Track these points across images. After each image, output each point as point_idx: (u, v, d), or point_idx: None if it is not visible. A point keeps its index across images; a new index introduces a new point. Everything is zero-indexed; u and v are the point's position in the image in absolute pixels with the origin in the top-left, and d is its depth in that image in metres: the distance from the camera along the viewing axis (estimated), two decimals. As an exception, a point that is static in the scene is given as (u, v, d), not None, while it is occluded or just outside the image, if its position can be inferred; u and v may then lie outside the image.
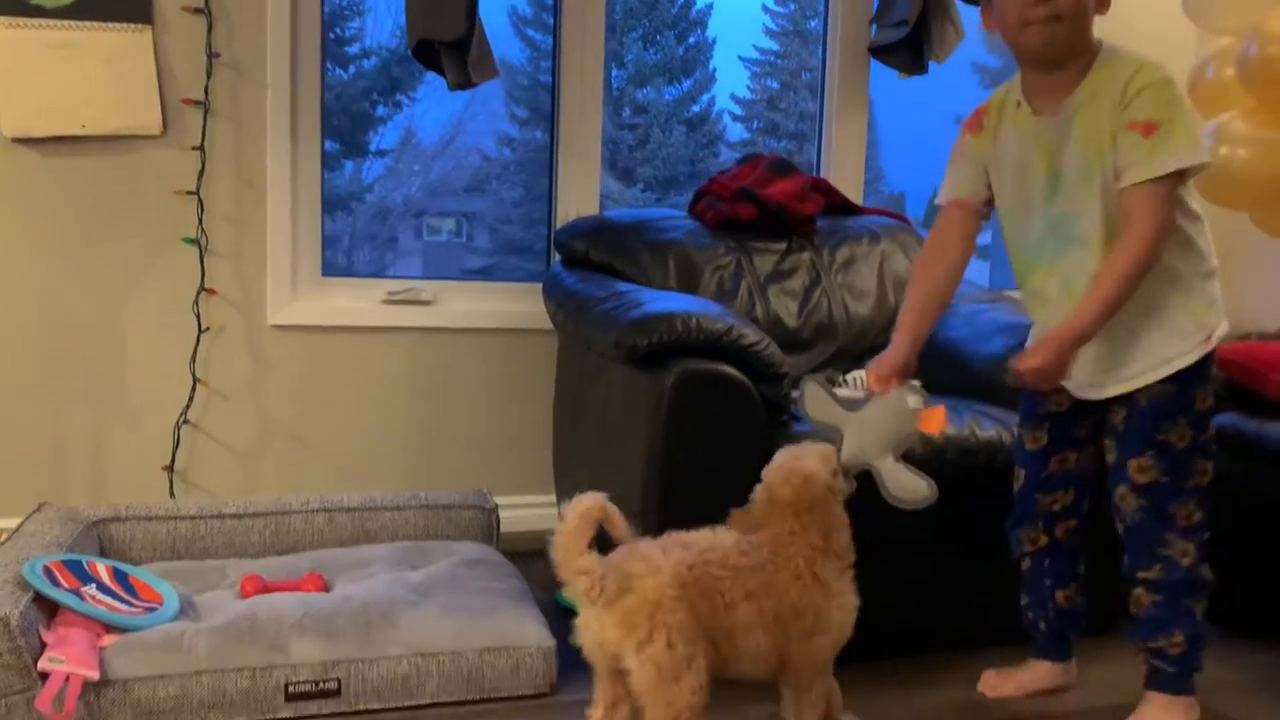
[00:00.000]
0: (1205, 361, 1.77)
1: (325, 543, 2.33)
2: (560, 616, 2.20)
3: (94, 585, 1.90)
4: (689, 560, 1.55)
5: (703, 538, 1.62)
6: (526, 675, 1.95)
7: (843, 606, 1.67)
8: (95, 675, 1.71)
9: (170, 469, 2.55)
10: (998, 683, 2.05)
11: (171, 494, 2.56)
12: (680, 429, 1.96)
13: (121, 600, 1.90)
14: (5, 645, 1.66)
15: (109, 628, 1.82)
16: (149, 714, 1.76)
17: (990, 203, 1.91)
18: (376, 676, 1.87)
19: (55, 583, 1.83)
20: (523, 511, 2.77)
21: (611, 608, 1.51)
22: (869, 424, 1.75)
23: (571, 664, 2.02)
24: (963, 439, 2.07)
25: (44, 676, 1.69)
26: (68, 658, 1.71)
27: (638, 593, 1.51)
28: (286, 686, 1.83)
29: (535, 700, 1.94)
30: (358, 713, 1.86)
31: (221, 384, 2.59)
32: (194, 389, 2.55)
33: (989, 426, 2.10)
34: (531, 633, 1.98)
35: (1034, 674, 2.03)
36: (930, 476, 1.73)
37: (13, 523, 2.13)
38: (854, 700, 1.97)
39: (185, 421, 2.56)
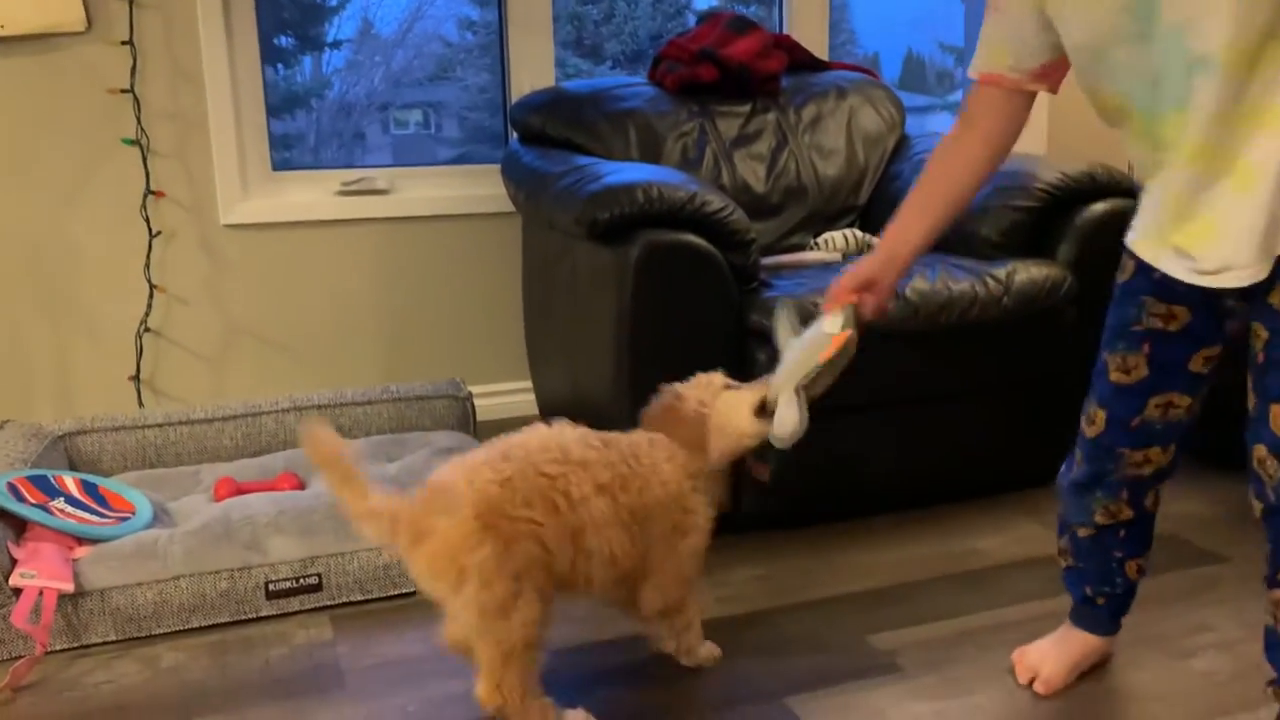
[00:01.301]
0: None
1: (298, 442, 2.29)
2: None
3: (62, 499, 1.87)
4: (502, 475, 1.36)
5: (535, 438, 1.44)
6: (508, 558, 1.94)
7: (704, 514, 1.53)
8: (69, 587, 1.69)
9: (136, 379, 2.51)
10: (1047, 670, 1.57)
11: (140, 404, 2.52)
12: (648, 303, 1.91)
13: (92, 512, 1.87)
14: (-26, 563, 1.64)
15: (81, 540, 1.80)
16: (130, 620, 1.75)
17: (1049, 73, 1.35)
18: (357, 569, 1.86)
19: (20, 499, 1.80)
20: (499, 399, 2.75)
21: (414, 553, 1.34)
22: (789, 350, 1.53)
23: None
24: (935, 292, 2.02)
25: (17, 592, 1.67)
26: (40, 571, 1.69)
27: (438, 535, 1.32)
28: (267, 585, 1.82)
29: (518, 582, 1.94)
30: (341, 605, 1.86)
31: (179, 289, 2.53)
32: (151, 296, 2.48)
33: (961, 278, 2.06)
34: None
35: (1079, 647, 1.59)
36: (808, 411, 1.50)
37: (-23, 443, 2.10)
38: (830, 559, 1.99)
39: (146, 330, 2.50)
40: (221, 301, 2.57)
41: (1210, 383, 1.38)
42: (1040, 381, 2.18)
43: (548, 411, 2.56)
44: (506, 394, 2.77)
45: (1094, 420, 1.43)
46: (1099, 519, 1.49)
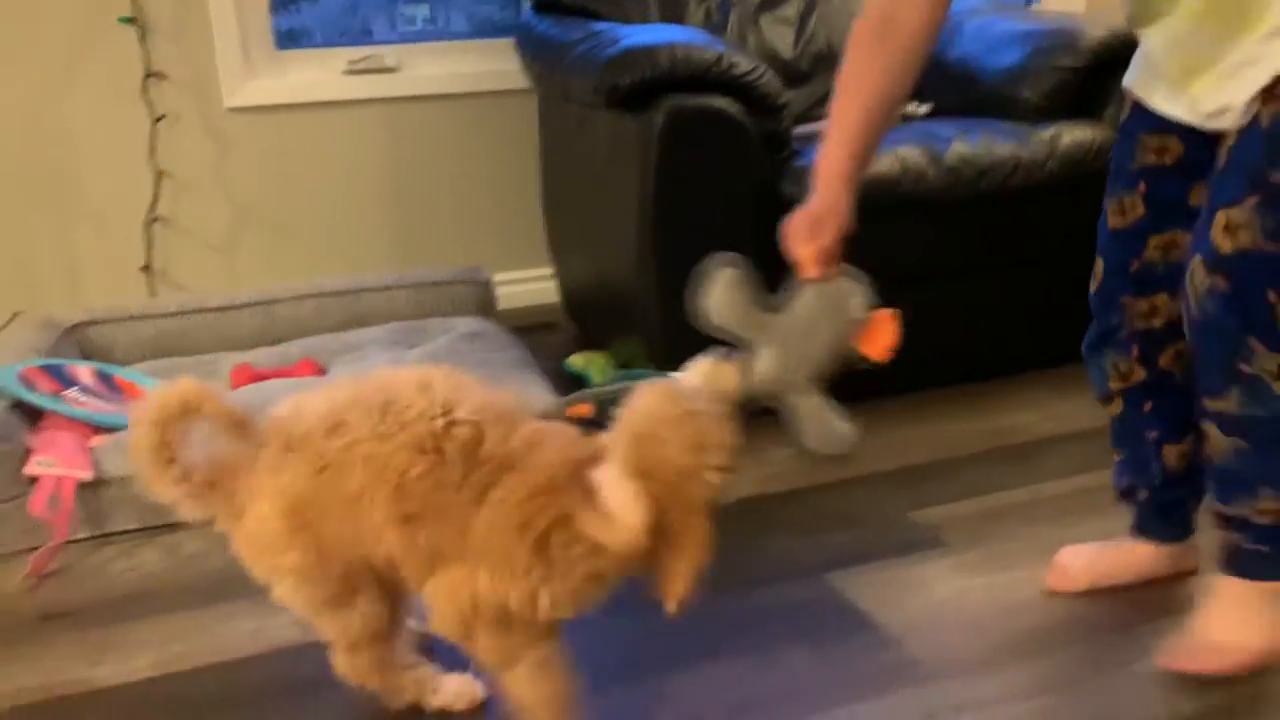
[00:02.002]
0: None
1: (315, 330, 2.23)
2: (566, 383, 2.14)
3: (76, 388, 1.82)
4: (322, 461, 1.06)
5: (379, 401, 1.07)
6: (535, 442, 1.89)
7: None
8: (88, 475, 1.65)
9: (148, 269, 2.44)
10: (1072, 571, 1.48)
11: (153, 295, 2.45)
12: (673, 174, 1.82)
13: (106, 400, 1.82)
14: (-12, 452, 1.60)
15: (97, 428, 1.76)
16: (150, 509, 1.71)
17: None
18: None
19: (33, 388, 1.75)
20: (520, 287, 2.67)
21: (231, 529, 1.12)
22: (795, 339, 1.17)
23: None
24: (976, 157, 1.92)
25: (34, 481, 1.64)
26: (57, 459, 1.65)
27: (249, 519, 1.09)
28: (289, 472, 1.78)
29: (546, 465, 1.90)
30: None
31: (185, 175, 2.43)
32: (158, 183, 2.40)
33: (1004, 141, 1.95)
34: (536, 398, 1.91)
35: (1122, 558, 1.48)
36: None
37: (-12, 336, 2.05)
38: (868, 436, 1.92)
39: (155, 219, 2.42)
40: (230, 188, 2.48)
41: None
42: (1087, 251, 2.08)
43: (571, 299, 2.48)
44: (527, 281, 2.69)
45: (1096, 273, 1.36)
46: (1113, 384, 1.39)
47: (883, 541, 1.60)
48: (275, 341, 2.20)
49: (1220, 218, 1.13)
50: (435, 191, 2.63)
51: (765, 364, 1.16)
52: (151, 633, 1.44)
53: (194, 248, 2.49)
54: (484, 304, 2.34)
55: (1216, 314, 1.15)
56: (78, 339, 2.09)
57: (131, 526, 1.71)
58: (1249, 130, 1.11)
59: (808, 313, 1.17)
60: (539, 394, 1.91)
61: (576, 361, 2.23)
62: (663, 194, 1.83)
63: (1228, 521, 1.26)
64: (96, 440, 1.73)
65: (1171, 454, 1.40)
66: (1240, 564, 1.28)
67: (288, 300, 2.24)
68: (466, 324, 2.21)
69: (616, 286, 2.08)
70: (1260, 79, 1.09)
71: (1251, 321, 1.14)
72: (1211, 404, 1.20)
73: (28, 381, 1.76)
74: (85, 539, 1.68)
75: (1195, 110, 1.18)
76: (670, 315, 1.92)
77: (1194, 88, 1.16)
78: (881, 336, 1.17)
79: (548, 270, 2.60)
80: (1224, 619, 1.29)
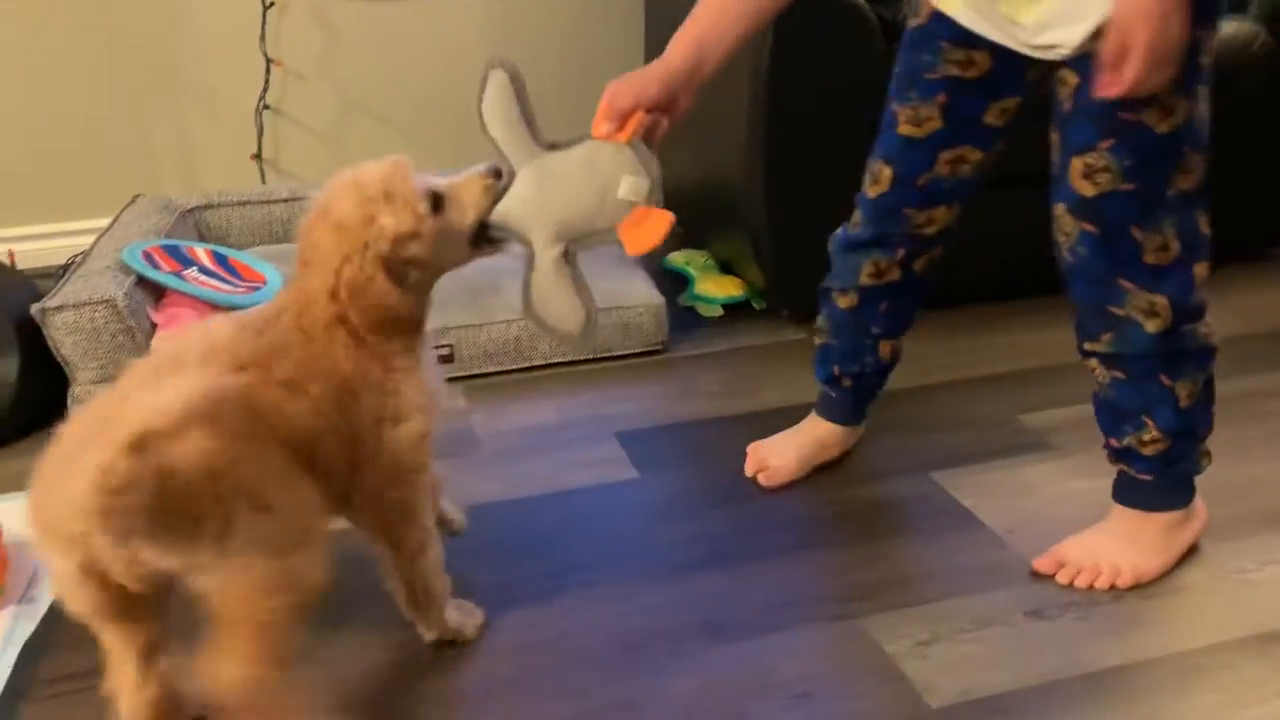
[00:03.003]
0: None
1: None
2: (667, 280, 2.14)
3: (195, 268, 1.88)
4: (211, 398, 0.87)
5: (183, 347, 0.99)
6: (636, 333, 1.89)
7: (414, 390, 1.06)
8: (209, 351, 1.71)
9: (258, 157, 2.48)
10: (774, 461, 1.48)
11: (263, 183, 2.50)
12: (786, 63, 1.76)
13: (223, 281, 1.88)
14: (116, 327, 1.67)
15: (215, 306, 1.81)
16: (268, 386, 1.77)
17: None
18: (487, 340, 1.84)
19: (155, 266, 1.81)
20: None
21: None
22: (551, 181, 1.08)
23: (681, 323, 1.99)
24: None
25: (160, 354, 1.70)
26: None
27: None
28: (398, 355, 1.82)
29: (647, 357, 1.91)
30: (472, 376, 1.85)
31: (296, 63, 2.45)
32: (269, 70, 2.42)
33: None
34: (640, 292, 1.91)
35: (816, 438, 1.50)
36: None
37: (109, 221, 2.11)
38: (976, 340, 1.89)
39: (265, 107, 2.46)
40: (338, 77, 2.49)
41: (1005, 138, 1.26)
42: (1229, 153, 1.98)
43: (672, 195, 2.45)
44: (627, 177, 2.67)
45: (878, 178, 1.31)
46: (864, 279, 1.38)
47: (990, 443, 1.57)
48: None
49: (1076, 164, 1.12)
50: (545, 81, 2.60)
51: (513, 196, 1.08)
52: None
53: (302, 136, 2.52)
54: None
55: (1088, 257, 1.15)
56: (195, 221, 2.15)
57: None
58: (1086, 69, 1.06)
59: (574, 166, 1.08)
60: (642, 290, 1.92)
61: (677, 259, 2.22)
62: (775, 85, 1.78)
63: (1118, 455, 1.27)
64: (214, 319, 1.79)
65: (886, 349, 1.45)
66: (1130, 495, 1.28)
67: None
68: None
69: (722, 182, 2.05)
70: (1098, 16, 1.01)
71: (1120, 260, 1.14)
72: (1089, 345, 1.22)
73: (151, 260, 1.81)
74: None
75: (1016, 39, 1.12)
76: (777, 213, 1.89)
77: (1019, 14, 1.09)
78: (644, 233, 1.08)
79: (649, 167, 2.57)
80: (1111, 543, 1.28)
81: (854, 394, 1.49)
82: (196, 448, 0.85)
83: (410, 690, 1.14)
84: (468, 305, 1.85)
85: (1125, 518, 1.28)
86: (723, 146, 1.98)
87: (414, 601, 1.14)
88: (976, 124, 1.24)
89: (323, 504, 1.00)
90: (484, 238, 1.10)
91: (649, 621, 1.23)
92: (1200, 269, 1.16)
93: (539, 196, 1.08)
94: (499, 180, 1.10)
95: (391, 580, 1.13)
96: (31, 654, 1.20)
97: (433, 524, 1.14)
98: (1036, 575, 1.29)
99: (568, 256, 1.09)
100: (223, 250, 2.00)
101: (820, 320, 1.48)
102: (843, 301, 1.42)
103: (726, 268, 2.17)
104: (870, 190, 1.33)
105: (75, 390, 1.68)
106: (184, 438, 0.84)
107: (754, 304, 2.07)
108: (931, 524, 1.40)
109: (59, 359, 1.67)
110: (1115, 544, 1.27)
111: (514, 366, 1.86)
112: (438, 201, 1.06)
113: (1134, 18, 0.96)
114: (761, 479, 1.49)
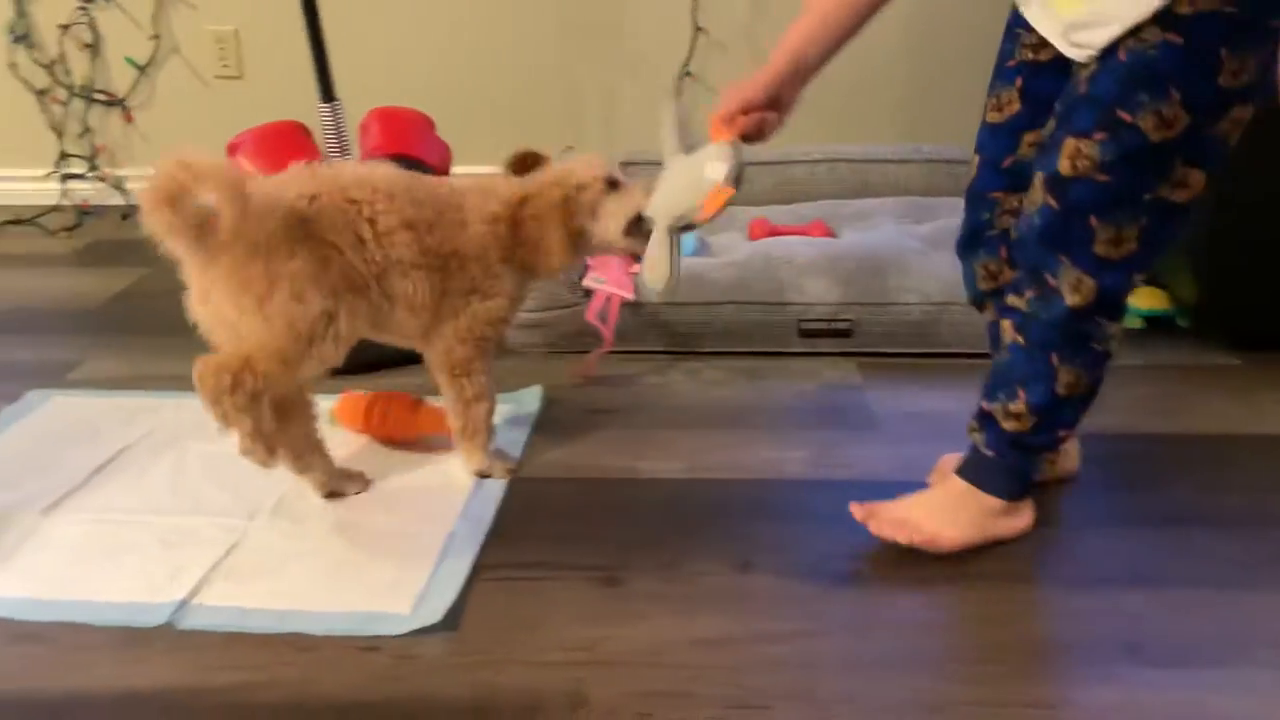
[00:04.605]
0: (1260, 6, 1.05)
1: (825, 193, 2.28)
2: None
3: (621, 218, 2.01)
4: (309, 193, 1.25)
5: (346, 168, 1.34)
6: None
7: (509, 286, 1.43)
8: (631, 295, 1.84)
9: (673, 120, 2.61)
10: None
11: (673, 146, 2.63)
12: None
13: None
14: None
15: (636, 258, 1.93)
16: (674, 336, 1.87)
17: None
18: (889, 320, 1.84)
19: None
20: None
21: (216, 260, 1.19)
22: (668, 176, 1.34)
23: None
24: None
25: (588, 294, 1.84)
26: (607, 279, 1.85)
27: (246, 243, 1.18)
28: (799, 323, 1.86)
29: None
30: (866, 354, 1.86)
31: (721, 33, 2.55)
32: (694, 39, 2.53)
33: None
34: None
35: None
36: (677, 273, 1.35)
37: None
38: None
39: (687, 74, 2.57)
40: (760, 48, 2.56)
41: None
42: None
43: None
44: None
45: (972, 168, 1.36)
46: (982, 284, 1.37)
47: None
48: (787, 200, 2.28)
49: (1069, 144, 1.14)
50: (942, 61, 2.55)
51: (653, 194, 1.35)
52: (684, 441, 1.59)
53: (714, 103, 2.61)
54: (996, 189, 2.26)
55: (1042, 227, 1.18)
56: (617, 176, 2.29)
57: (658, 348, 1.88)
58: (1107, 61, 1.10)
59: (686, 163, 1.31)
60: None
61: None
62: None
63: (980, 420, 1.29)
64: (636, 268, 1.90)
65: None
66: (971, 468, 1.30)
67: (803, 162, 2.30)
68: (978, 206, 2.15)
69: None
70: (1125, 21, 1.07)
71: (1069, 240, 1.16)
72: (1011, 299, 1.24)
73: (587, 205, 1.96)
74: (621, 352, 1.87)
75: (1054, 32, 1.17)
76: (1219, 222, 1.73)
77: (1062, 10, 1.15)
78: (709, 203, 1.28)
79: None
80: (933, 508, 1.29)
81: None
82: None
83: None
84: (871, 283, 1.85)
85: (957, 486, 1.30)
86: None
87: (464, 435, 1.46)
88: (1052, 105, 1.21)
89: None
90: (638, 229, 1.40)
91: (1066, 629, 1.20)
92: (1131, 280, 1.18)
93: (662, 194, 1.34)
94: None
95: (452, 416, 1.45)
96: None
97: (491, 382, 1.45)
98: None
99: (671, 234, 1.33)
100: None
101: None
102: (986, 315, 1.41)
103: (1152, 279, 2.02)
104: (965, 183, 1.37)
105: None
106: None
107: (1179, 320, 1.93)
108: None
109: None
110: (930, 507, 1.29)
111: (911, 350, 1.85)
112: (613, 183, 1.43)
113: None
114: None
